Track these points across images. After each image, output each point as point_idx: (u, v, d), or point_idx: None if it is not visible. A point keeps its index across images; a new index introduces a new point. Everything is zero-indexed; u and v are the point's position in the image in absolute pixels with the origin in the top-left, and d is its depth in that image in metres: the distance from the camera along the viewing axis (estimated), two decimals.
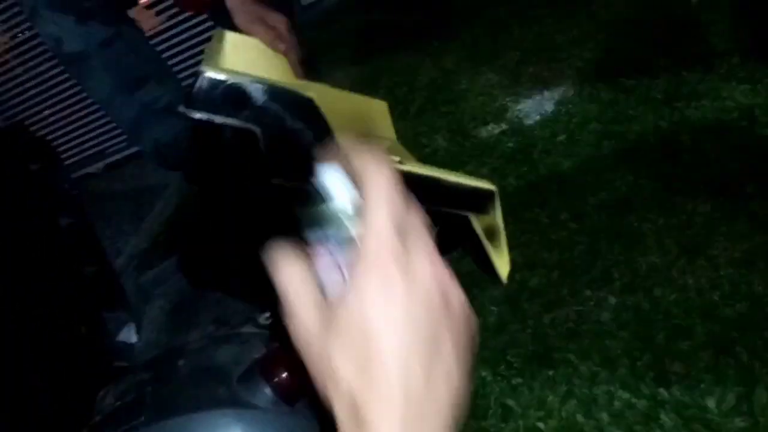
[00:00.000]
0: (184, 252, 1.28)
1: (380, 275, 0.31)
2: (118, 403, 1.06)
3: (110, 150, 3.86)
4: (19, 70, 3.50)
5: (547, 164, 2.13)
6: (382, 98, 3.17)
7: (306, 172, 0.93)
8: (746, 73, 2.05)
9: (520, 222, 1.94)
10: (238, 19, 1.26)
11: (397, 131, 2.93)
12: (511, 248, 1.90)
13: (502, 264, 1.33)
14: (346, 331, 0.31)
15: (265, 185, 0.82)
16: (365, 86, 3.28)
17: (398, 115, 2.80)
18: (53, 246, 1.25)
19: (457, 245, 1.30)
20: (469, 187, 1.09)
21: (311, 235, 0.36)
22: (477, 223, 1.15)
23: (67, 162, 3.83)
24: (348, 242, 0.34)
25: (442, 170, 1.17)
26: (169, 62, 3.04)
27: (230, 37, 1.01)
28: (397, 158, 0.95)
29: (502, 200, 2.16)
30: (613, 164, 1.97)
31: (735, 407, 1.18)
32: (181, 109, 0.81)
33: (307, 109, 0.80)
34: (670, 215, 1.70)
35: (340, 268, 0.34)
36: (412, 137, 2.66)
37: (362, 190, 0.34)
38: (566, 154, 2.13)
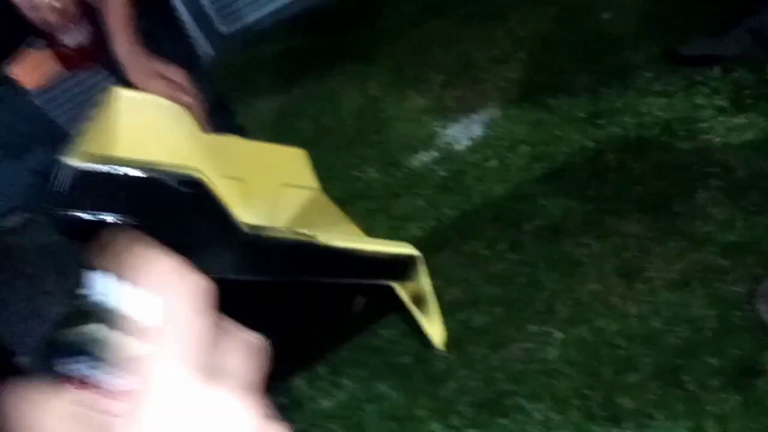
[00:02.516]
0: None
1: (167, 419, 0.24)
2: None
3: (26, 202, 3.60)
4: None
5: (481, 191, 2.10)
6: (308, 127, 3.07)
7: (207, 262, 0.80)
8: (661, 86, 2.10)
9: (459, 255, 1.90)
10: (133, 75, 1.15)
11: (325, 164, 2.84)
12: (452, 284, 1.85)
13: (434, 330, 1.28)
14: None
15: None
16: (289, 116, 3.19)
17: (326, 146, 2.72)
18: None
19: (386, 312, 1.24)
20: (389, 255, 1.03)
21: (73, 362, 0.27)
22: (402, 291, 1.08)
23: None
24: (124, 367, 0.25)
25: (361, 237, 1.09)
26: (58, 120, 2.81)
27: (124, 95, 0.90)
28: (311, 233, 0.85)
29: (438, 233, 2.09)
30: (545, 188, 1.97)
31: None
32: (46, 210, 0.70)
33: (196, 192, 0.72)
34: (604, 239, 1.70)
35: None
36: (343, 169, 2.59)
37: (152, 307, 0.26)
38: (498, 180, 2.11)
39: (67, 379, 0.26)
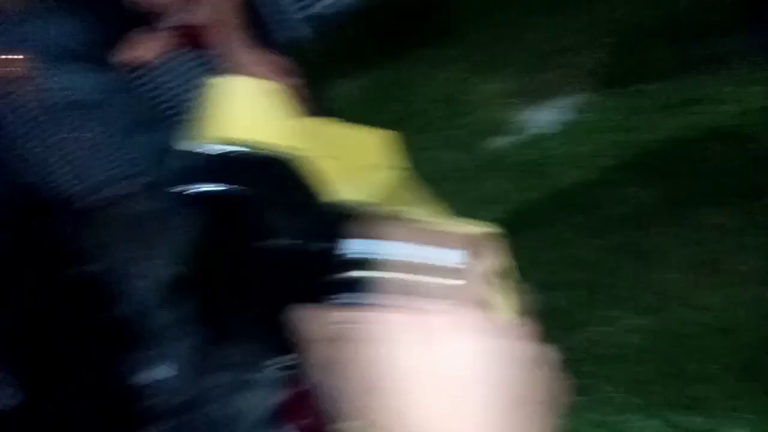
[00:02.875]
0: (201, 300, 1.31)
1: (472, 337, 0.33)
2: None
3: (132, 172, 3.92)
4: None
5: (567, 177, 2.12)
6: (394, 109, 3.18)
7: (299, 232, 0.94)
8: (764, 74, 2.02)
9: (543, 238, 1.93)
10: (240, 59, 1.28)
11: (413, 145, 2.93)
12: (535, 266, 1.91)
13: (507, 308, 1.34)
14: (430, 385, 0.32)
15: (264, 247, 0.83)
16: (376, 98, 3.28)
17: (413, 128, 2.80)
18: (75, 296, 1.29)
19: None
20: (469, 234, 1.10)
21: (343, 297, 0.39)
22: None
23: (91, 183, 3.89)
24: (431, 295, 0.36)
25: (443, 217, 1.19)
26: (178, 101, 3.05)
27: (231, 79, 1.03)
28: (396, 210, 0.95)
29: (523, 215, 2.15)
30: (632, 176, 1.96)
31: None
32: (173, 184, 0.83)
33: (300, 172, 0.83)
34: (691, 228, 1.69)
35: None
36: (429, 150, 2.66)
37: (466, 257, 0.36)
38: (585, 166, 2.12)
39: (338, 306, 0.38)
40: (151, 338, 1.53)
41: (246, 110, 1.08)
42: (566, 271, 1.76)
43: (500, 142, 2.44)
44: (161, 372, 1.52)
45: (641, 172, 1.94)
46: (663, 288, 1.59)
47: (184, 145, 0.88)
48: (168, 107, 2.01)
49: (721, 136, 1.93)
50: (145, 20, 1.70)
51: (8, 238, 1.19)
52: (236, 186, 0.90)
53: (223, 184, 0.88)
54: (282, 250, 0.91)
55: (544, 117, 2.42)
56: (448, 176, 2.41)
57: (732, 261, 1.57)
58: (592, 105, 2.30)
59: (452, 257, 0.38)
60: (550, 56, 2.69)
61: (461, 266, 0.37)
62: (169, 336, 1.56)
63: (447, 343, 0.33)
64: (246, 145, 0.87)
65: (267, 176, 0.91)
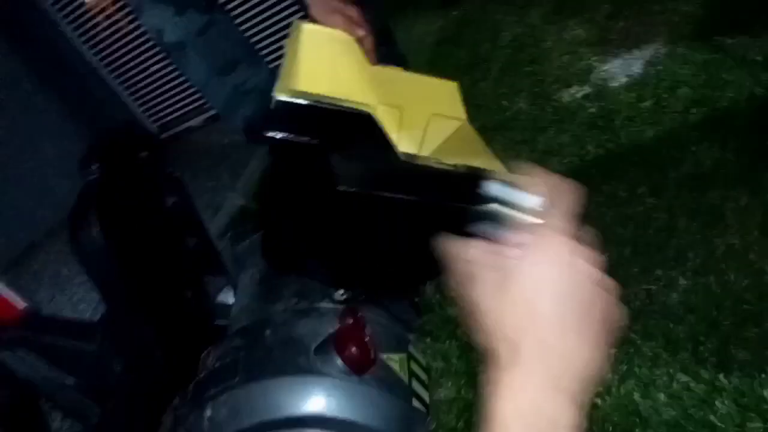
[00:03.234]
0: (265, 234, 1.44)
1: (552, 259, 0.43)
2: (218, 364, 1.25)
3: (209, 105, 4.12)
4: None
5: (630, 132, 2.08)
6: (464, 54, 3.16)
7: (368, 180, 1.05)
8: None
9: (598, 194, 1.93)
10: (315, 9, 1.34)
11: (477, 92, 2.93)
12: (586, 221, 1.93)
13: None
14: (517, 293, 0.42)
15: (334, 192, 0.93)
16: (447, 42, 3.26)
17: (480, 75, 2.79)
18: (161, 223, 1.44)
19: None
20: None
21: (479, 227, 0.51)
22: None
23: (169, 117, 4.15)
24: (518, 228, 0.46)
25: (501, 170, 1.23)
26: (256, 45, 3.21)
27: (307, 28, 1.10)
28: (455, 163, 1.02)
29: (580, 170, 2.15)
30: (699, 135, 1.90)
31: None
32: (261, 130, 0.93)
33: (366, 123, 0.89)
34: (754, 194, 1.64)
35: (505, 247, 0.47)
36: (494, 98, 2.65)
37: (545, 201, 0.46)
38: (651, 122, 2.07)
39: (478, 236, 0.50)
40: (221, 265, 1.69)
41: (321, 60, 1.17)
42: (616, 227, 1.77)
43: (566, 93, 2.40)
44: (229, 297, 1.68)
45: (708, 132, 1.88)
46: (716, 250, 1.58)
47: (265, 93, 0.97)
48: (250, 47, 2.11)
49: None
50: None
51: (101, 172, 1.35)
52: (314, 136, 0.99)
53: (297, 134, 0.98)
54: (346, 195, 1.01)
55: (614, 68, 2.36)
56: (510, 126, 2.41)
57: None
58: (665, 58, 2.21)
59: (535, 201, 0.48)
60: (629, 4, 2.58)
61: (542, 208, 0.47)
62: (238, 264, 1.72)
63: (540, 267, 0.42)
64: (320, 99, 0.95)
65: (343, 130, 1.00)
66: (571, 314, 0.41)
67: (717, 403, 1.24)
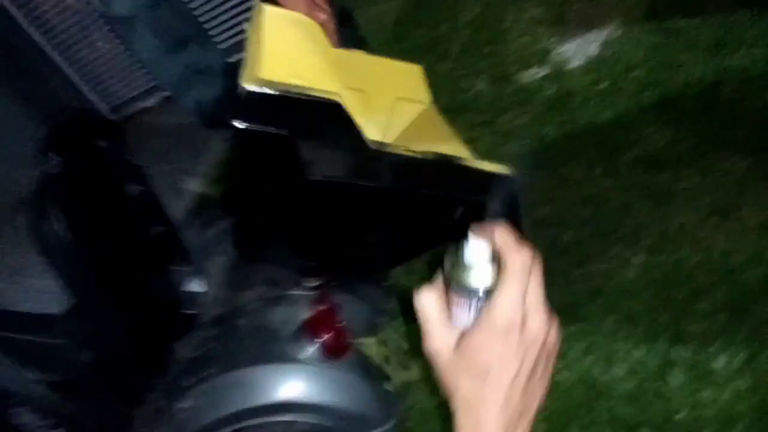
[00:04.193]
0: (235, 224, 1.43)
1: (504, 328, 0.45)
2: (194, 354, 1.25)
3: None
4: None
5: (587, 114, 2.14)
6: (423, 34, 3.13)
7: (337, 169, 1.05)
8: None
9: (555, 175, 1.99)
10: None
11: (437, 74, 2.94)
12: (544, 202, 1.98)
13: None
14: (472, 359, 0.45)
15: (304, 182, 0.94)
16: (406, 23, 3.24)
17: (439, 55, 2.80)
18: (123, 213, 1.41)
19: (481, 220, 1.39)
20: (488, 173, 1.18)
21: (454, 285, 0.51)
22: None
23: (124, 98, 4.00)
24: (481, 297, 0.48)
25: (466, 155, 1.25)
26: (208, 25, 3.10)
27: (269, 11, 1.08)
28: (424, 150, 1.03)
29: (539, 152, 2.19)
30: (652, 117, 1.97)
31: (741, 369, 1.28)
32: (229, 120, 0.92)
33: (335, 112, 0.90)
34: (705, 174, 1.72)
35: (469, 312, 0.48)
36: (453, 81, 2.67)
37: (502, 264, 0.48)
38: (606, 104, 2.12)
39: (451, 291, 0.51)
40: (188, 254, 1.67)
41: (286, 45, 1.15)
42: (576, 208, 1.83)
43: (525, 74, 2.44)
44: (197, 285, 1.67)
45: (661, 113, 1.95)
46: (669, 229, 1.66)
47: (217, 76, 0.96)
48: (202, 27, 2.06)
49: (747, 81, 1.91)
50: None
51: (61, 162, 1.31)
52: (277, 126, 0.98)
53: (265, 124, 0.97)
54: (315, 183, 1.00)
55: (571, 50, 2.40)
56: (470, 107, 2.44)
57: (744, 208, 1.60)
58: (620, 40, 2.27)
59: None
60: None
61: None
62: (205, 252, 1.70)
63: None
64: (288, 89, 0.94)
65: (307, 117, 0.99)
66: (520, 377, 0.45)
67: (671, 374, 1.32)
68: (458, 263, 0.51)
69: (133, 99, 4.41)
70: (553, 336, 0.48)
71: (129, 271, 1.44)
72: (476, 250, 0.50)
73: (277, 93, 0.94)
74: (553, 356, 0.48)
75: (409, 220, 1.18)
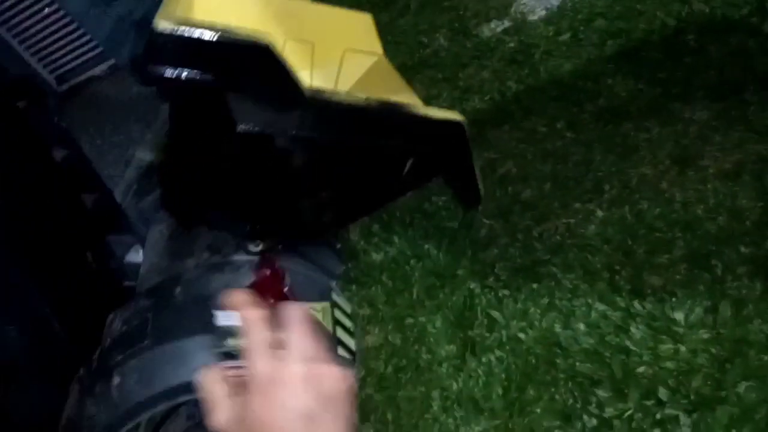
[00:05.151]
0: (168, 190, 1.32)
1: (262, 387, 0.44)
2: (125, 327, 1.17)
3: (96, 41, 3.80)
4: None
5: (548, 67, 2.07)
6: None
7: (267, 119, 0.95)
8: None
9: (517, 130, 1.93)
10: None
11: (396, 29, 2.83)
12: (507, 158, 1.92)
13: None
14: (250, 425, 0.44)
15: (232, 135, 0.84)
16: None
17: (398, 11, 2.69)
18: (49, 179, 1.31)
19: (432, 176, 1.33)
20: (438, 120, 1.10)
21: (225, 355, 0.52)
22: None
23: (68, 66, 3.80)
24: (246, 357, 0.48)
25: (417, 103, 1.16)
26: None
27: None
28: (369, 97, 0.97)
29: (500, 107, 2.12)
30: (614, 67, 1.91)
31: (701, 320, 1.25)
32: (142, 63, 0.82)
33: (265, 56, 0.80)
34: (666, 124, 1.68)
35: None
36: (413, 35, 2.57)
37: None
38: (568, 56, 2.06)
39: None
40: (124, 223, 1.57)
41: None
42: (537, 163, 1.77)
43: (486, 27, 2.35)
44: (137, 256, 1.57)
45: (623, 64, 1.89)
46: (630, 181, 1.61)
47: (152, 24, 0.85)
48: None
49: (710, 27, 1.85)
50: None
51: None
52: (205, 72, 0.88)
53: (191, 70, 0.87)
54: (246, 136, 0.91)
55: (531, 2, 2.32)
56: (430, 63, 2.35)
57: (705, 158, 1.57)
58: None
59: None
60: None
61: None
62: (144, 221, 1.60)
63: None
64: (217, 29, 0.84)
65: (238, 63, 0.89)
66: (297, 424, 0.44)
67: (632, 328, 1.29)
68: (218, 335, 0.52)
69: (80, 68, 4.19)
70: (330, 375, 0.46)
71: (59, 243, 1.34)
72: (224, 317, 0.52)
73: (193, 33, 0.83)
74: (340, 402, 0.45)
75: (356, 175, 1.10)
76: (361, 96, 0.95)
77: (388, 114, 1.02)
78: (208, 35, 0.80)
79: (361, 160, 1.09)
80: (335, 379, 0.46)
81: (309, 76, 0.97)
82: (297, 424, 0.43)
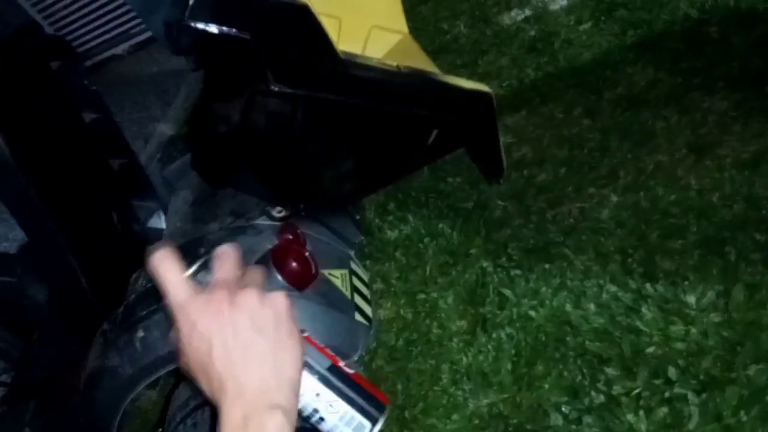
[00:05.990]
0: (198, 151, 1.35)
1: (213, 308, 0.50)
2: (149, 284, 1.20)
3: (135, 30, 3.84)
4: None
5: (568, 55, 2.08)
6: None
7: (305, 79, 0.98)
8: None
9: (535, 116, 1.94)
10: None
11: (417, 16, 2.84)
12: (523, 142, 1.93)
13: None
14: (198, 348, 0.50)
15: (267, 92, 0.86)
16: None
17: None
18: (79, 141, 1.34)
19: (455, 147, 1.34)
20: (466, 90, 1.12)
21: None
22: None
23: (91, 44, 3.85)
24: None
25: (442, 74, 1.18)
26: None
27: None
28: (397, 63, 0.98)
29: (519, 93, 2.13)
30: (634, 56, 1.92)
31: (713, 303, 1.26)
32: (184, 21, 0.84)
33: (302, 16, 0.82)
34: (685, 112, 1.68)
35: None
36: (434, 22, 2.59)
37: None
38: (588, 45, 2.07)
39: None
40: (149, 189, 1.60)
41: None
42: (553, 148, 1.79)
43: (506, 15, 2.37)
44: (159, 222, 1.61)
45: (643, 53, 1.90)
46: (646, 168, 1.62)
47: None
48: None
49: (732, 19, 1.86)
50: None
51: (4, 82, 1.22)
52: (243, 30, 0.90)
53: (230, 27, 0.88)
54: (281, 95, 0.93)
55: None
56: (450, 49, 2.37)
57: (722, 146, 1.57)
58: None
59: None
60: None
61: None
62: (168, 187, 1.63)
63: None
64: None
65: (276, 21, 0.90)
66: (236, 346, 0.48)
67: (643, 309, 1.30)
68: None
69: (103, 45, 4.22)
70: (272, 307, 0.51)
71: (86, 204, 1.37)
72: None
73: None
74: (280, 332, 0.50)
75: (381, 142, 1.12)
76: (392, 63, 0.97)
77: (418, 81, 1.04)
78: None
79: (388, 126, 1.11)
80: (280, 314, 0.51)
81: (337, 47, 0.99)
82: (235, 346, 0.49)
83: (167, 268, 0.53)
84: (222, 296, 0.50)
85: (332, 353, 0.56)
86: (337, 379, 0.53)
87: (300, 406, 0.52)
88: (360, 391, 0.53)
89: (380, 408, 0.53)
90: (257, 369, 0.48)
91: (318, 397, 0.52)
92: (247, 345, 0.49)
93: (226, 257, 0.56)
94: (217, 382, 0.48)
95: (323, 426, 0.53)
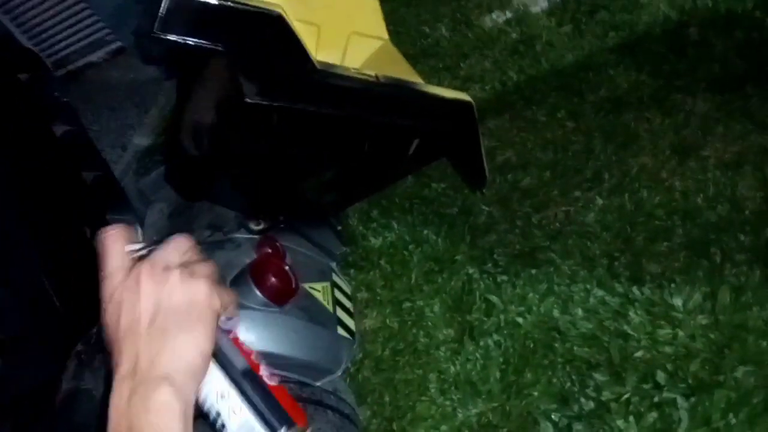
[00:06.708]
0: (173, 163, 1.32)
1: (131, 280, 0.52)
2: None
3: (110, 37, 3.77)
4: None
5: (550, 57, 2.07)
6: None
7: (280, 90, 0.94)
8: None
9: (518, 119, 1.93)
10: None
11: (399, 19, 2.81)
12: (507, 146, 1.92)
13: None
14: (110, 308, 0.52)
15: (241, 105, 0.83)
16: None
17: (401, 0, 2.68)
18: (50, 155, 1.30)
19: (437, 156, 1.33)
20: (446, 99, 1.10)
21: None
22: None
23: (67, 51, 3.78)
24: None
25: (422, 84, 1.16)
26: None
27: None
28: (376, 74, 0.96)
29: (501, 96, 2.12)
30: (616, 59, 1.92)
31: (700, 306, 1.25)
32: (154, 32, 0.81)
33: (276, 26, 0.80)
34: (667, 115, 1.68)
35: None
36: (415, 25, 2.57)
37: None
38: (570, 47, 2.06)
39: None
40: (124, 202, 1.56)
41: None
42: (537, 151, 1.77)
43: (488, 18, 2.35)
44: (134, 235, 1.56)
45: (625, 55, 1.89)
46: (630, 170, 1.61)
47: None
48: None
49: (713, 21, 1.86)
50: None
51: None
52: (216, 41, 0.87)
53: (203, 39, 0.86)
54: (256, 108, 0.90)
55: None
56: (432, 52, 2.35)
57: (705, 148, 1.57)
58: None
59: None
60: None
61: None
62: (144, 200, 1.59)
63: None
64: None
65: (249, 32, 0.88)
66: (154, 323, 0.49)
67: (630, 313, 1.29)
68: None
69: (78, 53, 4.16)
70: (200, 291, 0.52)
71: (58, 218, 1.33)
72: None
73: (209, 1, 0.83)
74: (176, 309, 0.51)
75: (361, 153, 1.10)
76: (370, 73, 0.94)
77: (397, 91, 1.01)
78: (220, 3, 0.79)
79: (368, 137, 1.09)
80: (206, 298, 0.52)
81: (315, 55, 0.96)
82: (157, 316, 0.50)
83: (113, 240, 0.55)
84: (145, 270, 0.52)
85: (257, 361, 0.53)
86: (248, 385, 0.51)
87: (204, 402, 0.51)
88: (270, 403, 0.51)
89: (288, 423, 0.50)
90: (154, 342, 0.49)
91: (222, 399, 0.51)
92: (152, 319, 0.49)
93: (174, 241, 0.56)
94: (117, 351, 0.50)
95: None
